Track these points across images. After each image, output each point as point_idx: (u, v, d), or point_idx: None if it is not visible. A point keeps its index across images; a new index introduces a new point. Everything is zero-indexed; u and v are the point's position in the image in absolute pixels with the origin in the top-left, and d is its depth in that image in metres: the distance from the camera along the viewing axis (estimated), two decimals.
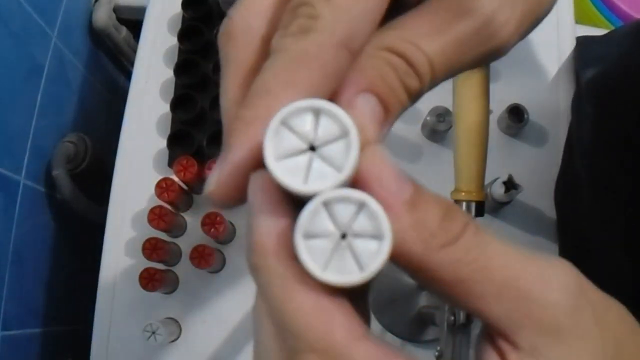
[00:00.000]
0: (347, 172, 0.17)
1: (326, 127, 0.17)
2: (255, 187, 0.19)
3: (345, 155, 0.17)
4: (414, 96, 0.20)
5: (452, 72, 0.20)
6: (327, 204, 0.17)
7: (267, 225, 0.18)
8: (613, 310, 0.20)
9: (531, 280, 0.18)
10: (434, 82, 0.20)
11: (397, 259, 0.18)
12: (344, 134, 0.17)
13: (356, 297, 0.19)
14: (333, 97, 0.19)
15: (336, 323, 0.17)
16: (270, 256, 0.18)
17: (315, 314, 0.17)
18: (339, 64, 0.18)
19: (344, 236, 0.17)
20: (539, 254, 0.19)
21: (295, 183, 0.17)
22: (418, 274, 0.18)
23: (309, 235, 0.17)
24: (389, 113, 0.19)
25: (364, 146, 0.17)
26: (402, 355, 0.18)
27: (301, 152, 0.17)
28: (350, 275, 0.17)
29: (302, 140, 0.17)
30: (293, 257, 0.17)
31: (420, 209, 0.18)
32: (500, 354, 0.18)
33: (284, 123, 0.17)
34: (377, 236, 0.17)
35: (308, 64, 0.18)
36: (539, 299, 0.18)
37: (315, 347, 0.17)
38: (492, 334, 0.19)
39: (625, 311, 0.20)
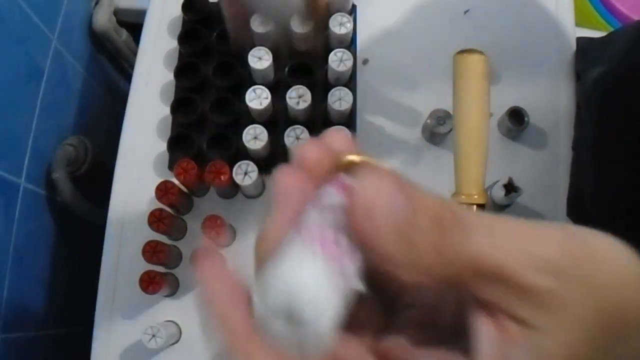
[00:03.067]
0: None
1: None
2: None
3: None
4: None
5: None
6: None
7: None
8: (612, 283, 0.20)
9: (518, 267, 0.19)
10: None
11: (392, 270, 0.20)
12: None
13: None
14: None
15: None
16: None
17: None
18: None
19: None
20: (524, 227, 0.20)
21: None
22: (415, 280, 0.21)
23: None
24: None
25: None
26: None
27: None
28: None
29: None
30: None
31: (413, 226, 0.20)
32: (494, 319, 0.20)
33: None
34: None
35: None
36: (526, 285, 0.19)
37: None
38: (487, 305, 0.20)
39: (633, 277, 0.21)
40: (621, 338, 0.20)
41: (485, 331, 0.20)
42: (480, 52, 0.48)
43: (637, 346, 0.21)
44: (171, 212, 0.64)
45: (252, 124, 0.64)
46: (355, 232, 0.20)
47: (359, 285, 0.20)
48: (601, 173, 0.56)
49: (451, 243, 0.19)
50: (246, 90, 0.65)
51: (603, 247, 0.21)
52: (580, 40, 0.72)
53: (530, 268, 0.19)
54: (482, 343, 0.20)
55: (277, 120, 0.69)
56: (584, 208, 0.60)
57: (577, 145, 0.66)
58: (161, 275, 0.62)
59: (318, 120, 0.69)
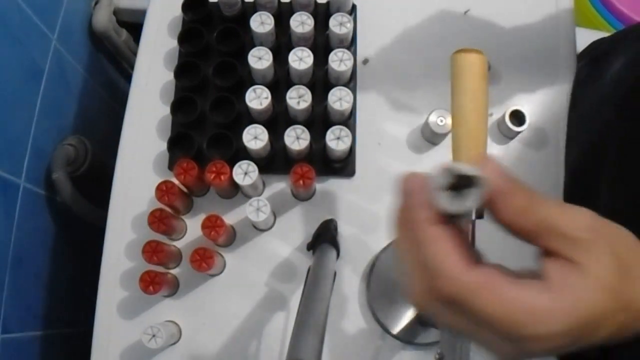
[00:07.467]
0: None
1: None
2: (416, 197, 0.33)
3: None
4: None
5: None
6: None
7: (421, 212, 0.33)
8: (621, 240, 0.33)
9: (569, 227, 0.31)
10: None
11: (500, 222, 0.33)
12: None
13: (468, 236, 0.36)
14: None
15: (452, 259, 0.32)
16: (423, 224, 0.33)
17: (442, 258, 0.32)
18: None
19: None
20: (571, 206, 0.33)
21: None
22: (509, 230, 0.33)
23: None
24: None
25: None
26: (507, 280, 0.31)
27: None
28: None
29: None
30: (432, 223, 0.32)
31: (512, 197, 0.33)
32: (555, 259, 0.32)
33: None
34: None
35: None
36: (575, 237, 0.31)
37: (442, 275, 0.31)
38: (550, 252, 0.32)
39: (631, 238, 0.34)
40: (631, 278, 0.32)
41: (550, 266, 0.32)
42: (478, 51, 0.48)
43: None
44: (171, 212, 0.64)
45: (252, 123, 0.64)
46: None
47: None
48: (626, 165, 0.56)
49: (534, 209, 0.32)
50: (246, 90, 0.65)
51: (615, 223, 0.34)
52: (589, 47, 0.72)
53: (576, 227, 0.31)
54: (550, 272, 0.31)
55: (277, 120, 0.69)
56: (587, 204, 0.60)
57: (579, 144, 0.66)
58: (161, 275, 0.62)
59: (318, 120, 0.69)
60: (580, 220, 0.32)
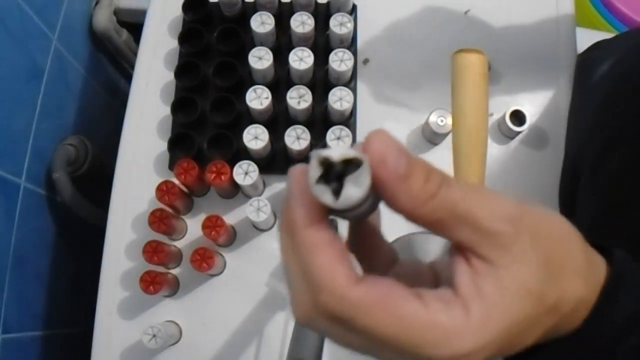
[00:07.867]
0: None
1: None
2: (296, 197, 0.27)
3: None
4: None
5: None
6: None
7: (299, 212, 0.26)
8: (550, 232, 0.28)
9: (484, 216, 0.26)
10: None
11: (397, 211, 0.26)
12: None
13: (365, 239, 0.30)
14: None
15: (337, 268, 0.25)
16: (300, 230, 0.26)
17: (325, 269, 0.25)
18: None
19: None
20: (490, 192, 0.27)
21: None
22: (411, 220, 0.26)
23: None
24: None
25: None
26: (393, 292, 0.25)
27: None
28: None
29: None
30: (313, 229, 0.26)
31: (410, 179, 0.25)
32: (467, 260, 0.27)
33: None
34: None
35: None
36: (490, 229, 0.26)
37: (326, 289, 0.25)
38: (461, 248, 0.27)
39: (563, 229, 0.29)
40: (560, 277, 0.27)
41: (461, 269, 0.26)
42: (478, 51, 0.48)
43: (573, 287, 0.28)
44: (171, 212, 0.64)
45: (252, 123, 0.64)
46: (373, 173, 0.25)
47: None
48: (600, 165, 0.56)
49: (440, 193, 0.25)
50: (246, 90, 0.65)
51: (544, 210, 0.28)
52: (588, 49, 0.72)
53: (492, 216, 0.26)
54: (460, 277, 0.26)
55: (277, 120, 0.69)
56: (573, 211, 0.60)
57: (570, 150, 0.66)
58: (161, 275, 0.62)
59: (318, 120, 0.69)
60: (498, 209, 0.26)
